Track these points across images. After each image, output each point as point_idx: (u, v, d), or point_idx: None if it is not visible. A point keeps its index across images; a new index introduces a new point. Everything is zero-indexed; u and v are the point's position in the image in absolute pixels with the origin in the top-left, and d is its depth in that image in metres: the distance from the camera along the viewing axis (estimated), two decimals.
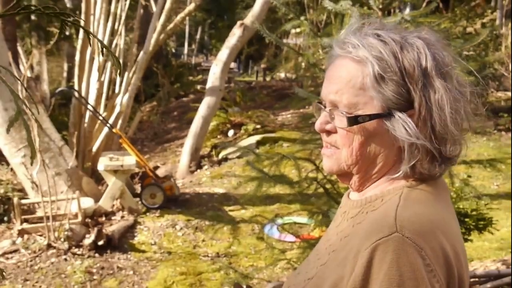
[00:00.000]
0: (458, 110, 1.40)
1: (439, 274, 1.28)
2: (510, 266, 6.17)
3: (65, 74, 21.97)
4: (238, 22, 11.40)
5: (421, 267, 1.26)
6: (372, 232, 1.33)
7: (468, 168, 9.31)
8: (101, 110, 10.24)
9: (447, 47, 1.47)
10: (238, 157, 11.18)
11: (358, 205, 1.51)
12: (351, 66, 1.41)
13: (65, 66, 21.93)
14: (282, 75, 22.07)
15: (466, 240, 4.93)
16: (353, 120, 1.41)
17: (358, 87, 1.40)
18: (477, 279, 5.86)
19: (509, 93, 14.17)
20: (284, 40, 19.58)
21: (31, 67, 17.70)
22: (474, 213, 4.91)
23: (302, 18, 4.52)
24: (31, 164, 1.70)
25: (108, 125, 9.03)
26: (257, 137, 12.28)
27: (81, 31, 10.19)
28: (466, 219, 4.90)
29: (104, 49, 1.28)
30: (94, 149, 9.86)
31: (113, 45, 10.89)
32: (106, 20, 10.51)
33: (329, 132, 1.49)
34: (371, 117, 1.40)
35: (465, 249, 1.44)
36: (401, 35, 1.43)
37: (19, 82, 6.80)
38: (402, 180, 1.45)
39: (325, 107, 1.49)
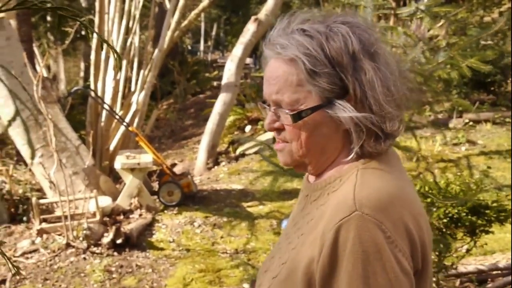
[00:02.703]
0: (389, 87, 1.47)
1: (401, 244, 1.37)
2: None
3: (82, 74, 22.10)
4: (252, 17, 11.35)
5: (382, 240, 1.34)
6: (335, 213, 1.41)
7: (488, 159, 9.27)
8: (117, 108, 10.25)
9: (371, 28, 1.54)
10: (256, 153, 11.15)
11: (318, 187, 1.59)
12: (284, 66, 1.48)
13: (82, 66, 22.07)
14: None
15: (487, 232, 4.86)
16: (297, 116, 1.49)
17: (295, 84, 1.47)
18: (499, 272, 5.79)
19: None
20: None
21: (48, 68, 17.80)
22: (494, 204, 4.83)
23: (315, 10, 4.48)
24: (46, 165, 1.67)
25: (124, 123, 9.03)
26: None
27: (96, 30, 10.20)
28: (487, 211, 4.82)
29: (109, 45, 1.25)
30: (111, 147, 9.87)
31: (128, 44, 10.88)
32: (121, 19, 10.51)
33: (278, 130, 1.57)
34: (313, 109, 1.47)
35: (423, 211, 1.52)
36: (325, 25, 1.47)
37: (34, 82, 6.83)
38: (355, 161, 1.53)
39: (269, 106, 1.56)
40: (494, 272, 5.68)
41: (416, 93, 1.61)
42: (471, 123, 11.94)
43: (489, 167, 6.14)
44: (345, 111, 1.45)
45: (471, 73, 4.24)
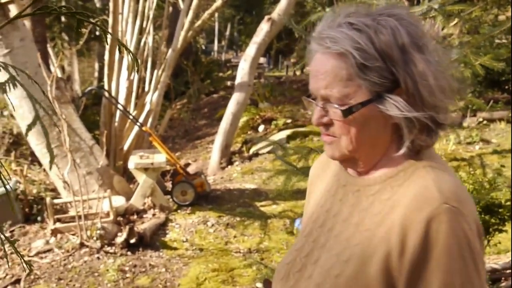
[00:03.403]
0: (440, 79, 1.46)
1: (480, 234, 1.42)
2: None
3: (96, 74, 22.21)
4: (266, 17, 11.35)
5: (469, 232, 1.38)
6: (419, 205, 1.40)
7: (502, 158, 9.21)
8: (131, 108, 10.29)
9: (417, 20, 1.54)
10: (269, 152, 11.14)
11: (376, 181, 1.56)
12: (333, 60, 1.45)
13: (96, 66, 22.17)
14: None
15: (501, 231, 4.85)
16: (348, 111, 1.46)
17: (345, 78, 1.44)
18: None
19: None
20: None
21: (62, 68, 17.89)
22: (508, 203, 4.82)
23: (328, 10, 4.48)
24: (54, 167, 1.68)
25: (138, 123, 9.06)
26: (287, 132, 12.24)
27: (110, 31, 10.26)
28: (500, 210, 4.81)
29: (127, 48, 1.27)
30: (125, 147, 9.90)
31: (142, 44, 10.92)
32: (134, 19, 10.55)
33: (326, 125, 1.55)
34: (363, 104, 1.45)
35: None
36: (372, 18, 1.46)
37: (48, 83, 6.87)
38: (410, 155, 1.53)
39: (315, 101, 1.55)
40: (508, 271, 5.65)
41: (462, 84, 1.58)
42: (485, 122, 11.87)
43: (502, 166, 6.10)
44: (395, 105, 1.44)
45: (485, 72, 4.22)
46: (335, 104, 1.47)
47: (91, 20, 1.24)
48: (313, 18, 4.65)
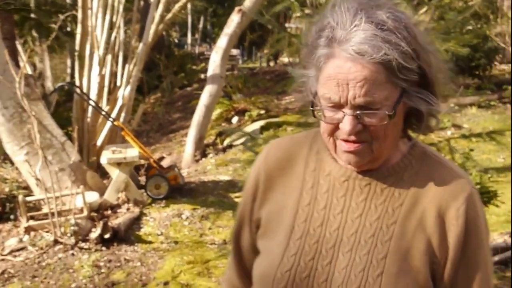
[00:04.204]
0: (442, 67, 1.50)
1: None
2: None
3: (69, 70, 22.02)
4: (236, 8, 11.34)
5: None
6: (452, 191, 1.48)
7: (474, 142, 9.31)
8: (104, 104, 10.24)
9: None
10: (243, 144, 11.16)
11: (390, 173, 1.54)
12: (371, 66, 1.36)
13: (69, 62, 21.98)
14: (286, 59, 21.99)
15: None
16: (394, 114, 1.41)
17: (384, 81, 1.37)
18: None
19: None
20: (286, 24, 19.51)
21: (34, 65, 17.73)
22: (478, 187, 4.87)
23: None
24: None
25: (109, 118, 9.02)
26: (261, 123, 12.27)
27: (79, 26, 10.20)
28: None
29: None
30: (99, 143, 9.87)
31: (113, 38, 10.87)
32: (104, 14, 10.49)
33: (357, 132, 1.44)
34: (398, 102, 1.41)
35: None
36: (387, 14, 1.39)
37: (16, 80, 6.81)
38: (409, 141, 1.59)
39: (337, 108, 1.43)
40: None
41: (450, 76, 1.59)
42: (456, 107, 11.98)
43: (471, 150, 6.17)
44: (423, 98, 1.44)
45: (455, 58, 4.26)
46: (376, 110, 1.40)
47: (60, 15, 1.22)
48: (277, 9, 4.67)
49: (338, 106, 1.41)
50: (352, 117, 1.40)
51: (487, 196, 4.97)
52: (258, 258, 1.65)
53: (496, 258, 5.64)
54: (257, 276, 1.62)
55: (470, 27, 11.51)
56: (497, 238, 6.29)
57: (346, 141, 1.45)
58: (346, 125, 1.41)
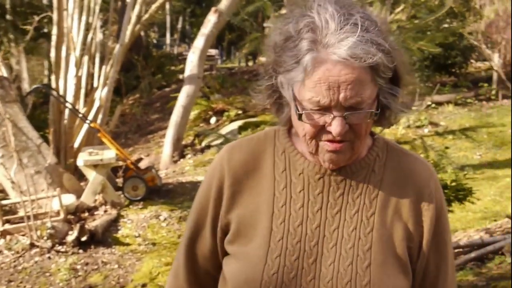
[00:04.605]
0: (406, 62, 1.52)
1: None
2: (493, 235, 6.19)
3: (46, 72, 21.84)
4: (213, 9, 11.35)
5: None
6: (422, 178, 1.57)
7: (450, 140, 9.37)
8: (81, 105, 10.18)
9: None
10: (221, 144, 11.13)
11: (362, 167, 1.56)
12: (360, 68, 1.36)
13: (46, 64, 21.80)
14: (265, 59, 21.98)
15: (448, 211, 4.93)
16: (378, 112, 1.45)
17: (369, 80, 1.39)
18: (461, 250, 5.88)
19: (488, 64, 14.21)
20: (265, 24, 19.53)
21: (10, 67, 17.54)
22: (453, 184, 4.89)
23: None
24: None
25: (86, 120, 8.97)
26: (239, 123, 12.25)
27: (55, 27, 10.12)
28: (446, 190, 4.88)
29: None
30: (76, 145, 9.81)
31: (89, 39, 10.80)
32: (80, 15, 10.43)
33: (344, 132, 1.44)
34: (378, 99, 1.44)
35: None
36: (366, 15, 1.41)
37: None
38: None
39: (324, 111, 1.41)
40: (456, 250, 5.76)
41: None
42: (433, 105, 12.06)
43: (447, 147, 6.19)
44: (391, 93, 1.46)
45: (431, 56, 4.28)
46: (364, 108, 1.41)
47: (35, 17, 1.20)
48: (249, 9, 4.66)
49: (324, 109, 1.40)
50: (341, 118, 1.40)
51: (463, 194, 4.98)
52: (231, 264, 1.60)
53: (473, 254, 5.68)
54: (240, 282, 1.55)
55: (446, 25, 11.60)
56: (473, 234, 6.32)
57: (331, 141, 1.44)
58: (337, 127, 1.40)
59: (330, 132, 1.42)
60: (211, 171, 1.68)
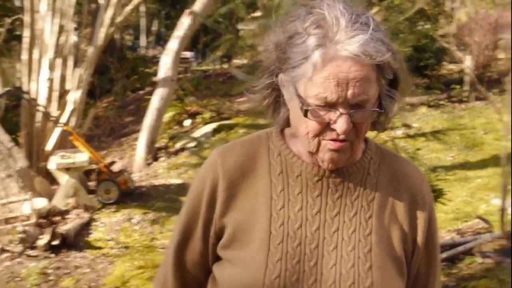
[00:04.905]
0: (404, 69, 1.51)
1: None
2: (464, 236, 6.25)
3: (19, 75, 21.63)
4: (186, 11, 11.32)
5: None
6: (415, 181, 1.59)
7: (423, 141, 9.44)
8: (54, 108, 10.10)
9: None
10: (195, 147, 11.10)
11: (359, 169, 1.57)
12: (367, 65, 1.37)
13: (18, 67, 21.60)
14: (240, 61, 21.96)
15: None
16: (383, 111, 1.46)
17: (374, 79, 1.40)
18: None
19: (460, 66, 14.34)
20: (239, 26, 19.50)
21: None
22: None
23: (238, 1, 4.48)
24: None
25: (58, 123, 8.90)
26: (213, 125, 12.22)
27: (26, 29, 10.04)
28: None
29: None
30: (49, 148, 9.71)
31: (63, 42, 10.71)
32: (53, 17, 10.35)
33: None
34: (379, 99, 1.46)
35: None
36: (368, 15, 1.41)
37: None
38: None
39: (331, 108, 1.41)
40: None
41: None
42: (406, 107, 12.12)
43: (418, 149, 6.25)
44: (389, 95, 1.47)
45: (404, 58, 4.31)
46: (370, 107, 1.42)
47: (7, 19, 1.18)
48: (222, 10, 4.67)
49: (330, 106, 1.40)
50: (347, 116, 1.39)
51: (435, 195, 5.02)
52: (226, 269, 1.56)
53: (444, 255, 5.72)
54: (239, 287, 1.52)
55: (419, 28, 11.70)
56: (445, 235, 6.38)
57: (334, 140, 1.43)
58: (343, 124, 1.39)
59: (333, 130, 1.42)
60: (202, 175, 1.63)
